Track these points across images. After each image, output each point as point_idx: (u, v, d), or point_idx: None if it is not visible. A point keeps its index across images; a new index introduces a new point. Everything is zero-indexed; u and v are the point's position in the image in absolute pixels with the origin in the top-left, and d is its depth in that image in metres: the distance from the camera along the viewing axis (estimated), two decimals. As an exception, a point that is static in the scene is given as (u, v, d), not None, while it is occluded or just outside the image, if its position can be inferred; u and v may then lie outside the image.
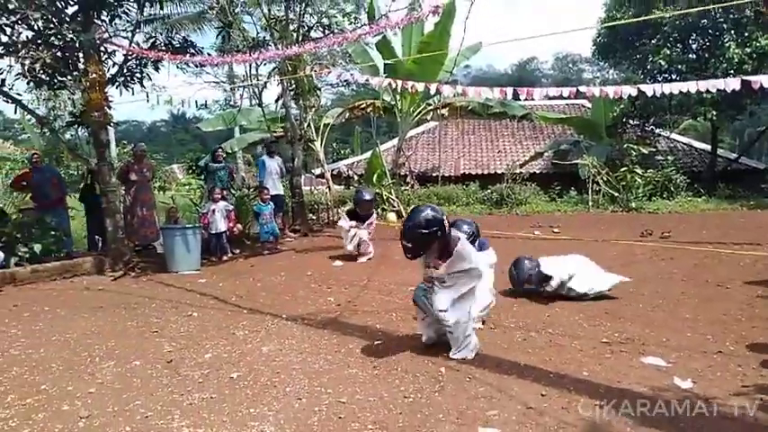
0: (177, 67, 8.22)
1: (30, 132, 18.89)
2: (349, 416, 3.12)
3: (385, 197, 12.81)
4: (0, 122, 48.17)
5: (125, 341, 4.65)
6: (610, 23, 13.78)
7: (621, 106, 15.70)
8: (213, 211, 8.82)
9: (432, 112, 17.16)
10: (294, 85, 10.94)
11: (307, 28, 10.76)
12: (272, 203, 9.50)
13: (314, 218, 12.36)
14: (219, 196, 9.09)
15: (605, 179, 13.44)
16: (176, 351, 4.35)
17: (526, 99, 10.71)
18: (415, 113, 16.29)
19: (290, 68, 10.41)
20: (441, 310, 3.84)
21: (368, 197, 8.27)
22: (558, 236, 9.66)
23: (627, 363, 3.79)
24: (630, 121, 16.32)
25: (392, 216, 11.80)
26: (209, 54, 9.83)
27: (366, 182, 14.91)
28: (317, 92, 12.29)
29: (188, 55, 7.92)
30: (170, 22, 13.50)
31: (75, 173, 14.10)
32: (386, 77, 12.51)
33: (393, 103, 16.16)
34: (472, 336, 3.95)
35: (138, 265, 8.24)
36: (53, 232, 8.15)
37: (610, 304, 5.25)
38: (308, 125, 12.29)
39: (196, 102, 13.61)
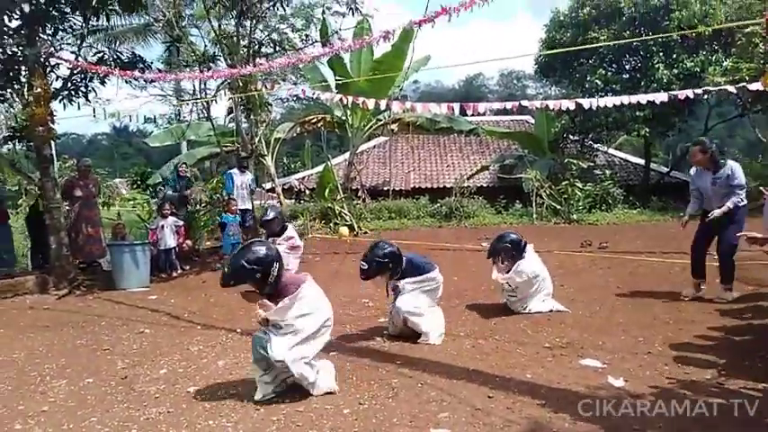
0: (126, 82, 8.09)
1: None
2: (306, 424, 3.23)
3: (337, 211, 12.93)
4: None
5: (76, 360, 4.60)
6: (549, 52, 14.53)
7: (563, 122, 16.48)
8: (162, 226, 8.72)
9: (382, 128, 17.46)
10: (245, 100, 10.96)
11: (257, 44, 10.83)
12: (238, 216, 9.40)
13: (264, 232, 12.31)
14: (169, 212, 9.00)
15: (548, 192, 14.02)
16: (130, 368, 4.34)
17: (473, 114, 11.10)
18: (365, 128, 16.54)
19: (240, 84, 10.43)
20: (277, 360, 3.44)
21: (269, 216, 7.68)
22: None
23: (567, 365, 4.06)
24: (571, 137, 17.14)
25: (344, 230, 11.91)
26: (158, 70, 9.73)
27: (317, 196, 14.99)
28: (268, 107, 12.35)
29: (137, 70, 7.85)
30: (113, 34, 13.25)
31: (11, 188, 13.54)
32: (337, 93, 12.77)
33: (344, 118, 16.36)
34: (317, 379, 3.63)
35: (84, 283, 8.06)
36: (-4, 249, 7.86)
37: (552, 312, 5.56)
38: (259, 140, 12.30)
39: (145, 117, 13.32)
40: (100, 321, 5.93)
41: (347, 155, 18.32)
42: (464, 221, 13.87)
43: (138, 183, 24.09)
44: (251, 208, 10.35)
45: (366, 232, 12.47)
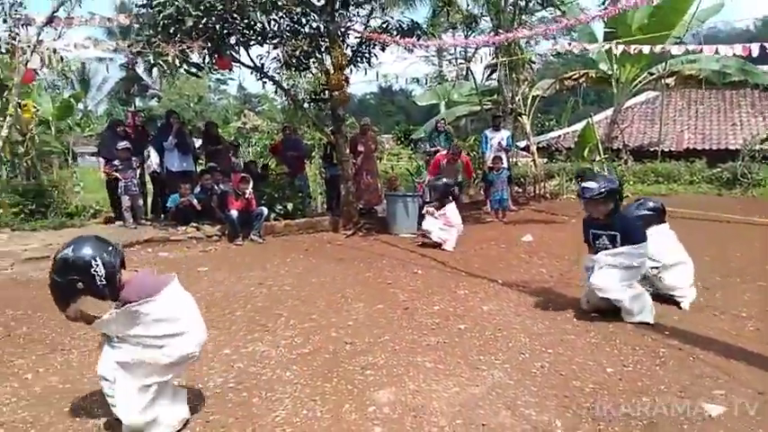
0: (405, 48, 8.93)
1: (270, 107, 22.01)
2: (570, 374, 3.45)
3: (597, 173, 12.35)
4: (241, 97, 56.21)
5: (367, 288, 5.55)
6: None
7: None
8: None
9: (654, 82, 15.80)
10: (507, 59, 11.07)
11: (524, 3, 10.75)
12: (505, 172, 9.77)
13: (520, 191, 12.50)
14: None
15: None
16: (409, 301, 5.08)
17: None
18: (634, 83, 15.18)
19: (505, 42, 10.55)
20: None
21: (439, 183, 7.97)
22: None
23: None
24: None
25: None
26: (432, 35, 10.45)
27: (575, 156, 14.48)
28: (531, 65, 12.25)
29: (414, 37, 8.60)
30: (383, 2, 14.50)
31: (308, 143, 16.15)
32: (606, 44, 11.97)
33: (609, 72, 15.26)
34: None
35: (365, 226, 9.38)
36: (300, 193, 9.70)
37: None
38: (520, 98, 12.34)
39: (410, 78, 14.48)
40: (381, 259, 6.95)
41: (609, 112, 17.14)
42: (751, 190, 11.96)
43: (402, 138, 26.40)
44: (506, 166, 10.49)
45: (627, 196, 11.68)
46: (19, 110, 8.72)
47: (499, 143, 10.26)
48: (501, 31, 9.60)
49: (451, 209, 7.83)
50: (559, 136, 19.47)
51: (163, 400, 2.81)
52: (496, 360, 3.69)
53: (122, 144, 8.21)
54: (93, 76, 37.65)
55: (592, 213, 4.49)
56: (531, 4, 10.76)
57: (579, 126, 18.43)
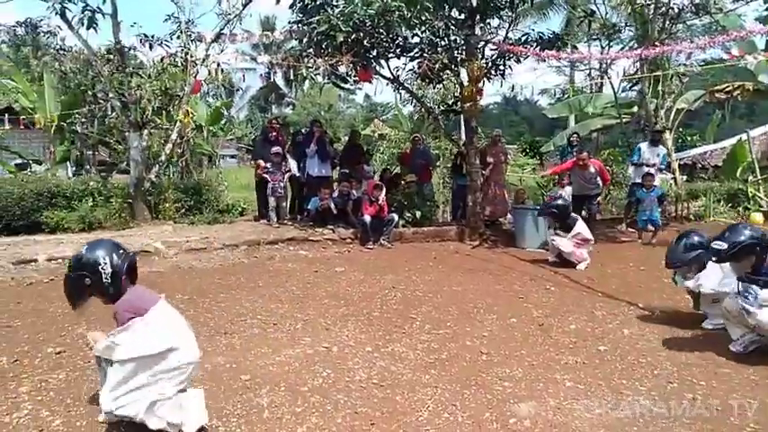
0: (542, 60, 8.81)
1: (399, 115, 22.58)
2: (726, 411, 3.23)
3: (750, 194, 11.25)
4: (368, 105, 58.19)
5: (498, 301, 5.57)
6: None
7: None
8: (561, 195, 9.30)
9: (825, 95, 14.03)
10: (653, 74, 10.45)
11: (676, 8, 10.08)
12: (657, 190, 9.20)
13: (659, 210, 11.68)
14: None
15: None
16: (543, 317, 5.02)
17: None
18: (800, 96, 13.60)
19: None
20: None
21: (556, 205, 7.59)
22: None
23: None
24: None
25: (758, 216, 10.31)
26: (574, 47, 10.17)
27: (724, 174, 13.27)
28: (680, 77, 11.46)
29: (556, 50, 8.44)
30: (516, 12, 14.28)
31: (435, 151, 16.39)
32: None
33: (771, 84, 13.81)
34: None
35: (490, 238, 9.35)
36: (428, 202, 9.91)
37: None
38: (665, 112, 11.58)
39: (545, 90, 14.13)
40: (510, 272, 6.91)
41: (766, 128, 15.48)
42: None
43: (527, 150, 25.80)
44: (657, 184, 9.78)
45: (787, 223, 10.51)
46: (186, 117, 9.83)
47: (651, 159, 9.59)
48: (647, 41, 9.10)
49: (581, 226, 7.56)
50: (705, 153, 17.91)
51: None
52: (641, 387, 3.56)
53: (275, 149, 8.97)
54: (236, 84, 41.18)
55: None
56: (683, 13, 10.05)
57: (728, 142, 16.85)
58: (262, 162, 9.20)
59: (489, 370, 3.80)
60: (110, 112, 11.01)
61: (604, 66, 11.17)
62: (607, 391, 3.50)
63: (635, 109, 12.88)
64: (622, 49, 10.56)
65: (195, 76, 9.10)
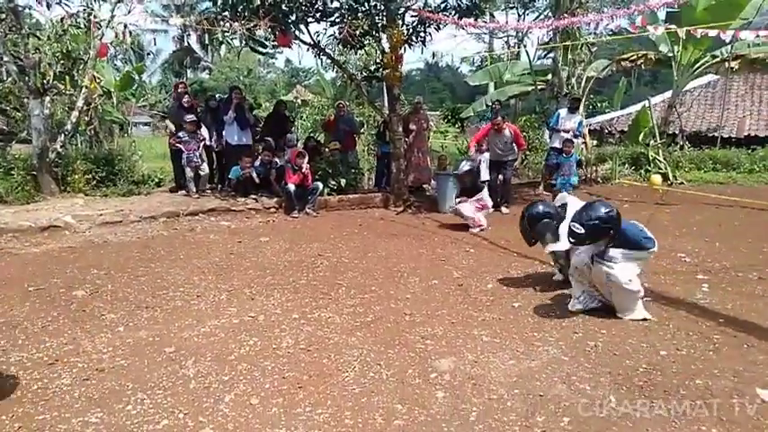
0: (461, 28, 8.94)
1: (322, 81, 22.23)
2: (623, 354, 3.58)
3: (651, 158, 12.12)
4: (289, 71, 56.72)
5: (421, 264, 5.77)
6: None
7: None
8: (480, 161, 9.62)
9: (717, 66, 15.20)
10: (565, 39, 10.88)
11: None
12: (574, 156, 9.61)
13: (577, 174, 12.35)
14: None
15: None
16: (463, 278, 5.27)
17: None
18: (695, 66, 14.66)
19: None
20: None
21: (460, 168, 8.07)
22: None
23: None
24: None
25: (656, 178, 11.16)
26: (492, 16, 10.36)
27: (628, 139, 14.20)
28: (590, 47, 12.01)
29: (474, 18, 8.58)
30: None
31: (359, 119, 16.34)
32: (668, 25, 11.62)
33: (670, 54, 14.77)
34: None
35: (414, 204, 9.55)
36: (353, 170, 9.94)
37: None
38: (576, 79, 12.15)
39: (466, 59, 14.28)
40: (432, 236, 7.15)
41: (667, 95, 16.63)
42: (816, 181, 11.52)
43: (449, 116, 26.29)
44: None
45: (682, 183, 11.50)
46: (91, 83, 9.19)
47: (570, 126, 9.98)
48: (560, 11, 9.46)
49: (485, 192, 7.86)
50: (612, 119, 19.03)
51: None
52: (550, 338, 3.86)
53: (189, 117, 8.60)
54: (146, 48, 38.78)
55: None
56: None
57: (634, 109, 17.99)
58: (173, 128, 8.83)
59: (412, 329, 3.98)
60: (5, 77, 10.10)
61: (521, 34, 11.53)
62: (520, 343, 3.77)
63: (549, 76, 13.39)
64: (537, 17, 10.94)
65: (100, 39, 8.49)
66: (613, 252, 4.12)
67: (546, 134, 10.42)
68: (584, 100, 14.21)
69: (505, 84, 18.67)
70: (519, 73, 16.43)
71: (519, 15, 13.55)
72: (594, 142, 16.77)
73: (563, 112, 10.12)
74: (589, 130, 16.34)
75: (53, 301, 4.51)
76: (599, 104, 25.41)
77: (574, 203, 4.60)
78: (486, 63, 17.25)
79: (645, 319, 4.12)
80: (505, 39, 18.03)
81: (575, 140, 9.89)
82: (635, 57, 15.93)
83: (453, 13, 8.96)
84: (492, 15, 11.48)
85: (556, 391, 3.12)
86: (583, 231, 4.01)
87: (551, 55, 11.62)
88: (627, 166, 12.60)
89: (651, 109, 13.23)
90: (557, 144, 9.84)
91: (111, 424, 2.79)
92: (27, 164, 8.64)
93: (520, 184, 11.28)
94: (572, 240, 4.15)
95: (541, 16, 11.57)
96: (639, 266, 4.20)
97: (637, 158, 12.68)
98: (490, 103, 12.69)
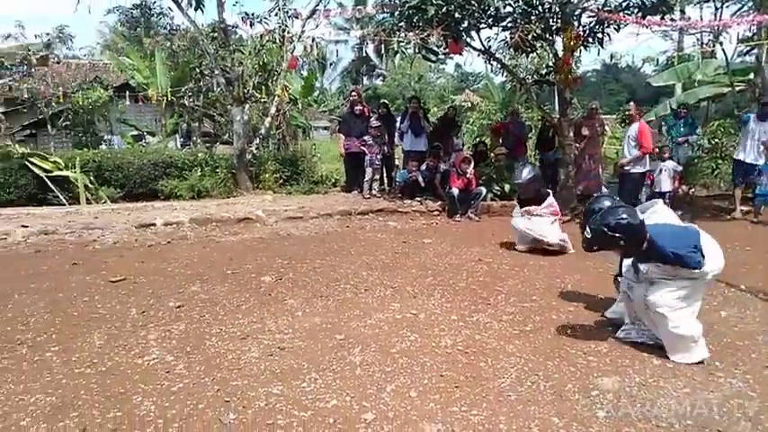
0: (645, 27, 8.30)
1: (490, 85, 22.13)
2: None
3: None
4: (458, 75, 57.17)
5: (587, 277, 5.53)
6: None
7: None
8: (661, 170, 8.87)
9: None
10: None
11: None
12: None
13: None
14: (668, 155, 9.04)
15: None
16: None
17: None
18: None
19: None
20: None
21: (523, 178, 6.37)
22: None
23: None
24: None
25: None
26: (681, 12, 9.47)
27: None
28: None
29: (660, 16, 7.91)
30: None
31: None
32: None
33: None
34: None
35: (582, 213, 9.09)
36: (518, 176, 9.78)
37: None
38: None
39: (648, 58, 13.16)
40: (601, 249, 6.76)
41: None
42: None
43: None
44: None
45: None
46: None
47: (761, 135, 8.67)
48: (765, 7, 8.29)
49: (552, 198, 6.73)
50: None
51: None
52: (735, 369, 3.48)
53: (375, 123, 9.29)
54: (328, 58, 42.04)
55: None
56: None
57: None
58: (343, 136, 9.55)
59: (574, 343, 3.86)
60: (214, 87, 11.77)
61: (716, 31, 10.26)
62: (697, 370, 3.45)
63: (751, 76, 11.79)
64: (738, 11, 9.65)
65: (292, 52, 9.50)
66: (644, 267, 3.59)
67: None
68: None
69: (696, 85, 16.82)
70: (713, 73, 14.69)
71: (716, 9, 12.10)
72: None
73: (753, 117, 8.69)
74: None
75: (246, 284, 5.20)
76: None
77: (661, 215, 3.92)
78: (673, 61, 15.69)
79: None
80: (697, 35, 16.17)
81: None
82: None
83: (636, 11, 8.36)
84: (682, 12, 10.42)
85: (738, 429, 2.82)
86: (589, 236, 3.53)
87: (755, 52, 10.21)
88: None
89: None
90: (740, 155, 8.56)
91: (290, 397, 3.17)
92: (228, 163, 9.99)
93: (707, 196, 10.15)
94: (583, 245, 3.67)
95: (743, 11, 10.14)
96: (691, 298, 3.54)
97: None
98: (675, 107, 11.50)
